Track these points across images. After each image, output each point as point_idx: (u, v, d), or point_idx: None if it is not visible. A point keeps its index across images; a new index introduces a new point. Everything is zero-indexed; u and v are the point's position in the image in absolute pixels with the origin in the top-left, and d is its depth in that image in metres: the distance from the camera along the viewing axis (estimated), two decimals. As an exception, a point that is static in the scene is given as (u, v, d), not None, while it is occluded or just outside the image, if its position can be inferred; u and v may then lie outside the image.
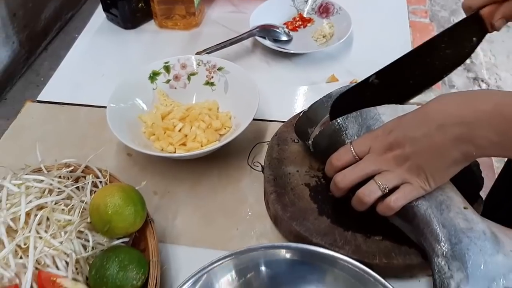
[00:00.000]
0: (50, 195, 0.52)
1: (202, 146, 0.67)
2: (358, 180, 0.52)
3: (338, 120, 0.57)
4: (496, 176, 0.83)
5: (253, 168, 0.67)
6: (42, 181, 0.53)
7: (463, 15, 0.59)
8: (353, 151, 0.53)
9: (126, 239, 0.54)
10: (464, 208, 0.51)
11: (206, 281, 0.47)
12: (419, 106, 0.52)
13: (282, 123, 0.69)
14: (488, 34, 0.57)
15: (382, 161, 0.50)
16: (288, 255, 0.51)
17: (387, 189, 0.49)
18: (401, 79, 0.61)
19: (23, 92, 0.95)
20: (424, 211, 0.50)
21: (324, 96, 0.63)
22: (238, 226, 0.62)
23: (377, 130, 0.54)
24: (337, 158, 0.54)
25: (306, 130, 0.62)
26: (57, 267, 0.49)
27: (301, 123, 0.63)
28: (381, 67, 0.61)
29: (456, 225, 0.50)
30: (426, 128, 0.46)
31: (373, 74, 0.61)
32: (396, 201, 0.49)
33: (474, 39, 0.58)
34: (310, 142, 0.61)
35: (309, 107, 0.63)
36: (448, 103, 0.46)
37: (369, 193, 0.50)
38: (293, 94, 0.80)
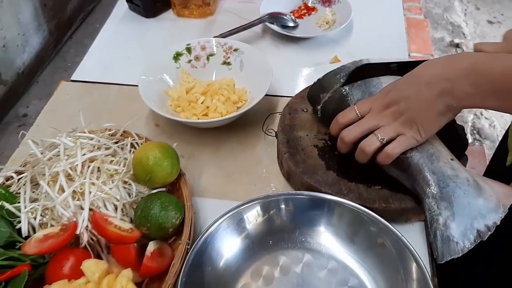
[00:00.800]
0: (99, 150, 0.61)
1: (222, 116, 0.76)
2: (361, 135, 0.61)
3: (345, 87, 0.66)
4: (488, 162, 0.92)
5: (268, 134, 0.76)
6: (92, 138, 0.62)
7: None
8: (357, 110, 0.62)
9: (163, 189, 0.63)
10: (451, 159, 0.61)
11: (238, 216, 0.57)
12: None
13: (292, 97, 0.78)
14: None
15: (380, 117, 0.60)
16: (302, 201, 0.60)
17: (385, 140, 0.59)
18: None
19: (52, 76, 1.04)
20: (417, 161, 0.60)
21: (338, 68, 0.71)
22: (256, 183, 0.71)
23: (377, 93, 0.63)
24: (342, 116, 0.64)
25: (318, 95, 0.71)
26: (106, 210, 0.58)
27: (314, 89, 0.72)
28: (404, 60, 0.68)
29: (444, 172, 0.59)
30: (417, 86, 0.56)
31: (395, 62, 0.68)
32: (393, 149, 0.58)
33: None
34: (319, 107, 0.70)
35: (323, 76, 0.71)
36: (434, 65, 0.55)
37: (370, 144, 0.60)
38: (300, 73, 0.89)
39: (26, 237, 0.57)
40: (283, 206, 0.60)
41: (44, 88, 1.01)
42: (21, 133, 0.69)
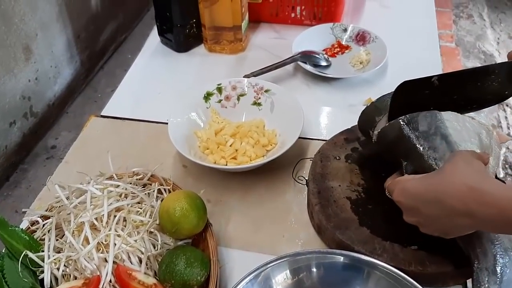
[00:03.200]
0: (126, 198, 0.60)
1: (250, 160, 0.74)
2: None
3: (408, 115, 0.61)
4: None
5: (298, 182, 0.74)
6: (118, 186, 0.60)
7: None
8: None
9: (189, 240, 0.61)
10: None
11: (264, 277, 0.54)
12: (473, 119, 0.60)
13: (324, 142, 0.75)
14: None
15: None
16: (335, 260, 0.57)
17: None
18: (459, 90, 0.64)
19: (83, 107, 1.04)
20: None
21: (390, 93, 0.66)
22: (284, 234, 0.68)
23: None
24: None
25: (374, 118, 0.66)
26: (131, 262, 0.57)
27: (369, 111, 0.68)
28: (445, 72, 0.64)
29: (502, 244, 0.55)
30: (439, 212, 0.52)
31: (435, 75, 0.63)
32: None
33: None
34: (375, 132, 0.65)
35: (378, 98, 0.68)
36: (460, 188, 0.50)
37: None
38: (332, 115, 0.87)
39: (48, 288, 0.55)
40: (314, 266, 0.57)
41: (74, 119, 1.01)
42: (50, 177, 0.68)
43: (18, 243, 0.57)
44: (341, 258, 0.57)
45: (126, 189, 0.60)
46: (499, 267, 0.54)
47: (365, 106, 0.70)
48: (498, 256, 0.54)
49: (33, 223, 0.62)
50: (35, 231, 0.60)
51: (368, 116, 0.68)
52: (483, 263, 0.54)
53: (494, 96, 0.65)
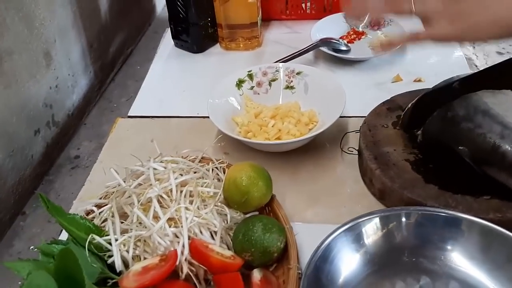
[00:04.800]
0: (189, 174, 0.57)
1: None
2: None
3: (444, 106, 0.62)
4: None
5: (349, 153, 0.72)
6: (178, 163, 0.58)
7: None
8: None
9: (256, 213, 0.58)
10: None
11: (356, 229, 0.52)
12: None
13: (363, 116, 0.74)
14: (492, 61, 0.63)
15: None
16: (425, 216, 0.55)
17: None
18: (485, 87, 0.64)
19: (99, 118, 1.01)
20: None
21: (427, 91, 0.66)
22: (345, 205, 0.66)
23: None
24: None
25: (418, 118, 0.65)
26: (203, 236, 0.53)
27: (412, 113, 0.67)
28: (466, 74, 0.64)
29: None
30: None
31: (456, 80, 0.63)
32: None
33: None
34: (419, 132, 0.66)
35: (418, 98, 0.66)
36: None
37: None
38: (364, 94, 0.86)
39: (119, 273, 0.51)
40: (403, 220, 0.54)
41: (92, 129, 0.98)
42: (89, 178, 0.65)
43: (79, 230, 0.53)
44: (432, 214, 0.55)
45: (188, 165, 0.58)
46: None
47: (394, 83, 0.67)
48: None
49: (88, 213, 0.58)
50: (93, 219, 0.56)
51: (414, 115, 0.67)
52: None
53: None
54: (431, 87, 0.67)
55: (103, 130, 0.96)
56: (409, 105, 0.68)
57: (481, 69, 0.62)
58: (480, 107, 0.61)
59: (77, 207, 0.63)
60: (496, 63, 0.63)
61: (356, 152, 0.71)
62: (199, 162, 0.64)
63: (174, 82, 0.94)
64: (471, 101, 0.62)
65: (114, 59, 1.11)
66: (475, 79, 0.63)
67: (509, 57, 0.62)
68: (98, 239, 0.51)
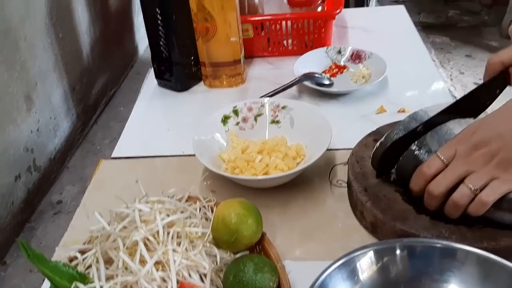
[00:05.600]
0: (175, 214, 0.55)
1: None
2: (452, 184, 0.55)
3: (416, 142, 0.61)
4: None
5: (338, 186, 0.71)
6: (164, 202, 0.56)
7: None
8: (441, 157, 0.56)
9: (246, 252, 0.56)
10: None
11: (350, 265, 0.50)
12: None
13: (353, 147, 0.74)
14: None
15: (470, 161, 0.54)
16: (417, 248, 0.53)
17: (478, 189, 0.53)
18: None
19: (82, 161, 0.99)
20: None
21: (395, 127, 0.65)
22: (337, 240, 0.64)
23: (460, 134, 0.58)
24: (427, 166, 0.57)
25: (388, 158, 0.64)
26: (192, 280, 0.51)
27: (380, 153, 0.65)
28: (427, 119, 0.63)
29: None
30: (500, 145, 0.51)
31: (420, 124, 0.63)
32: (487, 196, 0.52)
33: (498, 91, 0.66)
34: (393, 170, 0.65)
35: (383, 138, 0.65)
36: None
37: (462, 196, 0.54)
38: (349, 126, 0.86)
39: (104, 323, 0.48)
40: (398, 253, 0.52)
41: (75, 173, 0.95)
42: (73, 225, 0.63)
43: (62, 278, 0.50)
44: (427, 245, 0.54)
45: (174, 205, 0.56)
46: None
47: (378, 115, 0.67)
48: None
49: (71, 259, 0.55)
50: (77, 266, 0.54)
51: (383, 156, 0.65)
52: None
53: (480, 111, 0.66)
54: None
55: (86, 174, 0.93)
56: (374, 148, 0.67)
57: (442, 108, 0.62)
58: (457, 135, 0.60)
59: (60, 254, 0.61)
60: (457, 99, 0.64)
61: (345, 185, 0.70)
62: (186, 201, 0.62)
63: (158, 121, 0.94)
64: (442, 134, 0.61)
65: (97, 101, 1.11)
66: (434, 121, 0.62)
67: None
68: (82, 287, 0.49)
